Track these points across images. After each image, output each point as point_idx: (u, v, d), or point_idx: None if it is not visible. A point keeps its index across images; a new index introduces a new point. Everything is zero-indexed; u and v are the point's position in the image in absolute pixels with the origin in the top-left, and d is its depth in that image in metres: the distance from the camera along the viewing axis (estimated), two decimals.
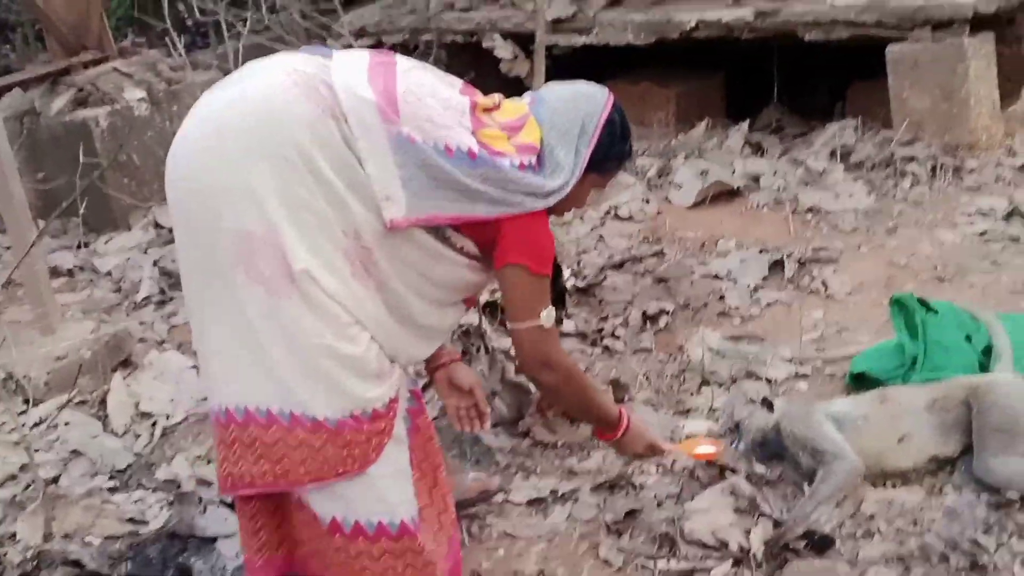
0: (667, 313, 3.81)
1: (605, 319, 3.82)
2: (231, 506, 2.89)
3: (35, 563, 2.88)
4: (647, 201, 4.81)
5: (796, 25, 5.07)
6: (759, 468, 2.86)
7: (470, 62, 5.94)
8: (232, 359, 2.20)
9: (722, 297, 3.91)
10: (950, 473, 2.77)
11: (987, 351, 3.10)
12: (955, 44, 4.72)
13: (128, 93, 5.48)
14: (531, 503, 2.93)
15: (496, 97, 2.45)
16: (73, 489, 3.23)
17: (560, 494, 2.94)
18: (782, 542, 2.59)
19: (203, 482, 3.19)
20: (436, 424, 2.73)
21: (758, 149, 5.24)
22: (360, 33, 6.42)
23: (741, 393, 3.14)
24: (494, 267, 2.41)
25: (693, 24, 5.33)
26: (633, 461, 2.96)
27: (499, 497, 2.96)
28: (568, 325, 3.71)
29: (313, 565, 2.38)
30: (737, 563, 2.58)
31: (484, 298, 3.44)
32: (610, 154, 2.50)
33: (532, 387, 3.23)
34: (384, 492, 2.27)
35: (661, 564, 2.62)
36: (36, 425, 3.55)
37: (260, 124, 2.15)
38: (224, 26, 5.06)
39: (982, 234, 4.11)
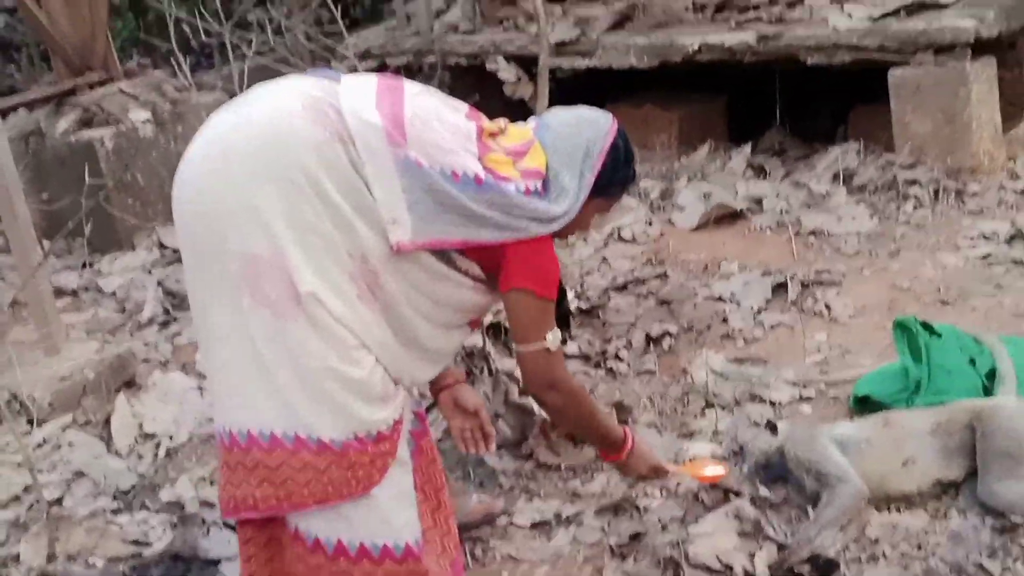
0: (670, 335, 3.82)
1: (609, 341, 3.83)
2: (235, 528, 2.88)
3: None
4: (650, 223, 4.82)
5: (798, 49, 5.09)
6: (763, 491, 2.86)
7: (474, 84, 5.96)
8: (237, 380, 2.21)
9: (725, 319, 3.92)
10: (954, 497, 2.76)
11: (991, 375, 3.10)
12: (957, 68, 4.74)
13: (133, 114, 5.51)
14: (535, 526, 2.93)
15: (502, 122, 2.46)
16: (76, 510, 3.23)
17: (564, 517, 2.93)
18: (786, 566, 2.59)
19: (206, 504, 3.18)
20: (440, 446, 2.74)
21: (761, 172, 5.25)
22: (364, 55, 6.44)
23: (745, 416, 3.15)
24: (500, 290, 2.42)
25: (696, 47, 5.36)
26: (638, 483, 2.97)
27: (503, 520, 2.96)
28: (571, 347, 3.71)
29: None
30: None
31: (488, 320, 3.45)
32: (614, 179, 2.53)
33: (536, 409, 3.23)
34: (388, 514, 2.27)
35: None
36: (40, 446, 3.55)
37: (267, 147, 2.16)
38: (229, 47, 5.08)
39: (985, 257, 4.12)
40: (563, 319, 2.59)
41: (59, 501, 3.29)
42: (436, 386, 2.79)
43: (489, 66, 6.04)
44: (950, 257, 4.16)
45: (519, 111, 5.48)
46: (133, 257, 5.24)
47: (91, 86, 5.55)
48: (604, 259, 4.56)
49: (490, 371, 3.32)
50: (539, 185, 2.39)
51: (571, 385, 2.59)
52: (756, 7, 5.47)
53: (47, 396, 3.71)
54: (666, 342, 3.80)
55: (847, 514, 2.69)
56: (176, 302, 4.64)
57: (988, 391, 3.05)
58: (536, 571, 2.78)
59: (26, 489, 3.30)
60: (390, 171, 2.22)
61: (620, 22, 5.79)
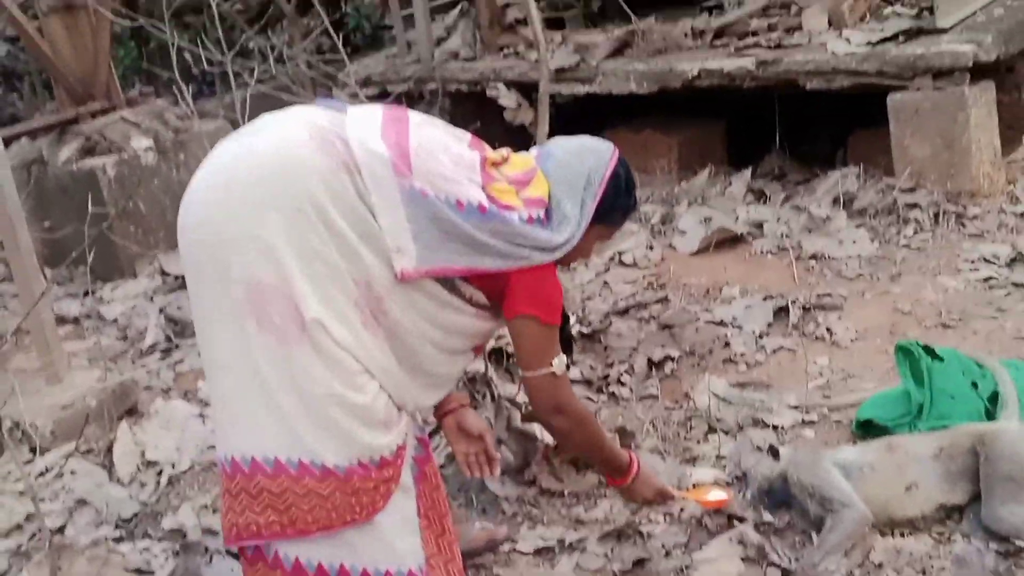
0: (672, 360, 3.82)
1: (611, 366, 3.83)
2: (237, 556, 2.88)
3: None
4: (651, 248, 4.83)
5: (797, 74, 5.11)
6: (767, 516, 2.86)
7: (474, 110, 5.99)
8: (241, 407, 2.22)
9: (727, 344, 3.92)
10: (958, 521, 2.76)
11: (993, 398, 3.10)
12: (956, 93, 4.75)
13: (135, 142, 5.53)
14: (538, 552, 2.93)
15: (504, 151, 2.50)
16: (79, 539, 3.23)
17: (567, 543, 2.93)
18: None
19: (209, 531, 3.18)
20: (442, 472, 2.74)
21: (761, 196, 5.26)
22: (365, 82, 6.47)
23: (748, 440, 3.14)
24: (504, 317, 2.45)
25: (695, 73, 5.38)
26: (642, 508, 2.96)
27: (506, 546, 2.96)
28: (574, 372, 3.71)
29: None
30: None
31: (489, 345, 3.45)
32: (615, 206, 2.57)
33: (538, 435, 3.23)
34: (392, 541, 2.27)
35: None
36: (42, 474, 3.55)
37: (274, 176, 2.18)
38: (231, 75, 5.10)
39: (986, 280, 4.12)
40: (566, 344, 2.62)
41: (61, 530, 3.29)
42: (440, 410, 2.80)
43: (489, 92, 6.07)
44: (951, 280, 4.16)
45: (519, 137, 5.52)
46: (135, 284, 5.26)
47: (93, 115, 5.58)
48: (605, 283, 4.57)
49: (492, 397, 3.32)
50: (542, 214, 2.43)
51: (578, 409, 2.62)
52: (755, 33, 5.50)
53: (49, 424, 3.71)
54: (668, 366, 3.80)
55: (851, 539, 2.69)
56: (178, 329, 4.65)
57: (991, 415, 3.05)
58: None
59: (28, 518, 3.30)
60: (395, 200, 2.25)
61: (619, 49, 5.82)
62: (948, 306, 3.96)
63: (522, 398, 3.36)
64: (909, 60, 4.81)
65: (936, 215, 4.66)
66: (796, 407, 3.43)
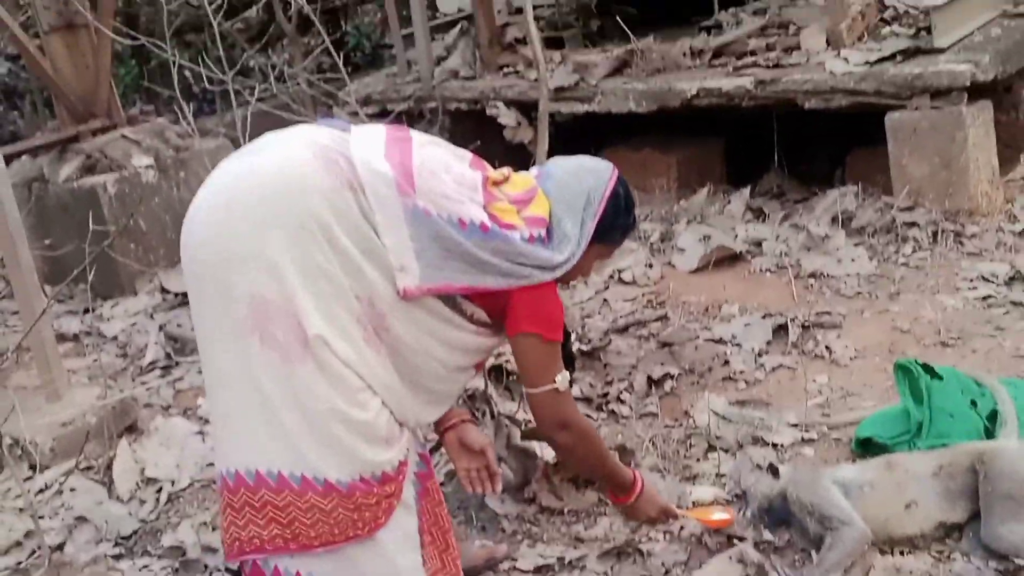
0: (672, 377, 3.82)
1: (610, 383, 3.84)
2: (236, 573, 2.88)
3: None
4: (650, 266, 4.84)
5: (796, 93, 5.13)
6: (767, 535, 2.86)
7: (474, 129, 6.01)
8: (244, 422, 2.23)
9: (727, 361, 3.92)
10: (958, 539, 2.76)
11: (992, 417, 3.11)
12: (953, 112, 4.78)
13: (136, 160, 5.54)
14: (538, 570, 2.92)
15: (505, 170, 2.53)
16: (78, 556, 3.23)
17: (567, 561, 2.93)
18: None
19: (208, 549, 3.18)
20: (442, 490, 2.73)
21: (760, 214, 5.28)
22: (366, 101, 6.50)
23: (747, 458, 3.14)
24: (507, 335, 2.47)
25: (694, 92, 5.40)
26: (644, 526, 2.97)
27: (506, 564, 2.96)
28: (573, 390, 3.71)
29: None
30: None
31: (489, 363, 3.46)
32: (615, 225, 2.60)
33: (538, 452, 3.24)
34: (393, 557, 2.28)
35: None
36: (42, 491, 3.55)
37: (278, 194, 2.20)
38: (232, 94, 5.12)
39: (984, 299, 4.13)
40: (567, 360, 2.63)
41: (61, 547, 3.29)
42: (442, 426, 2.81)
43: (489, 111, 6.10)
44: (950, 299, 4.17)
45: (519, 155, 5.54)
46: (135, 302, 5.26)
47: (94, 132, 5.60)
48: (605, 301, 4.58)
49: (492, 414, 3.32)
50: (543, 233, 2.45)
51: (582, 425, 2.66)
52: (753, 53, 5.53)
53: (49, 442, 3.72)
54: (668, 384, 3.80)
55: (851, 557, 2.69)
56: (178, 347, 4.66)
57: (990, 433, 3.06)
58: None
59: (28, 535, 3.30)
60: (399, 219, 2.27)
61: (618, 68, 5.85)
62: (947, 324, 3.97)
63: (522, 416, 3.37)
64: (907, 80, 4.84)
65: (934, 234, 4.68)
66: (795, 425, 3.44)
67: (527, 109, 5.94)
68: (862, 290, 4.37)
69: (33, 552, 3.25)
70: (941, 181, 4.84)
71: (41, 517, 3.31)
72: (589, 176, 2.60)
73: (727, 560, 2.79)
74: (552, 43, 6.34)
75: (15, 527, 3.35)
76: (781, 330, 4.08)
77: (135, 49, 7.83)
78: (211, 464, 3.62)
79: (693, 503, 3.07)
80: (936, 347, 3.84)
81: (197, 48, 7.92)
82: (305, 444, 2.19)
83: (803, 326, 4.08)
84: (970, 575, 2.62)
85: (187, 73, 5.98)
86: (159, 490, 3.58)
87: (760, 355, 3.95)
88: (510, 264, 2.39)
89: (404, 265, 2.28)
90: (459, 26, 7.00)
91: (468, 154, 2.54)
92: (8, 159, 5.45)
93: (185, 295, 4.97)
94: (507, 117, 6.03)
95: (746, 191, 5.45)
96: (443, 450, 3.06)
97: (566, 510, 3.17)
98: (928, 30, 5.01)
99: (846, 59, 5.09)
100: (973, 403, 3.17)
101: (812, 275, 4.54)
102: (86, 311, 5.16)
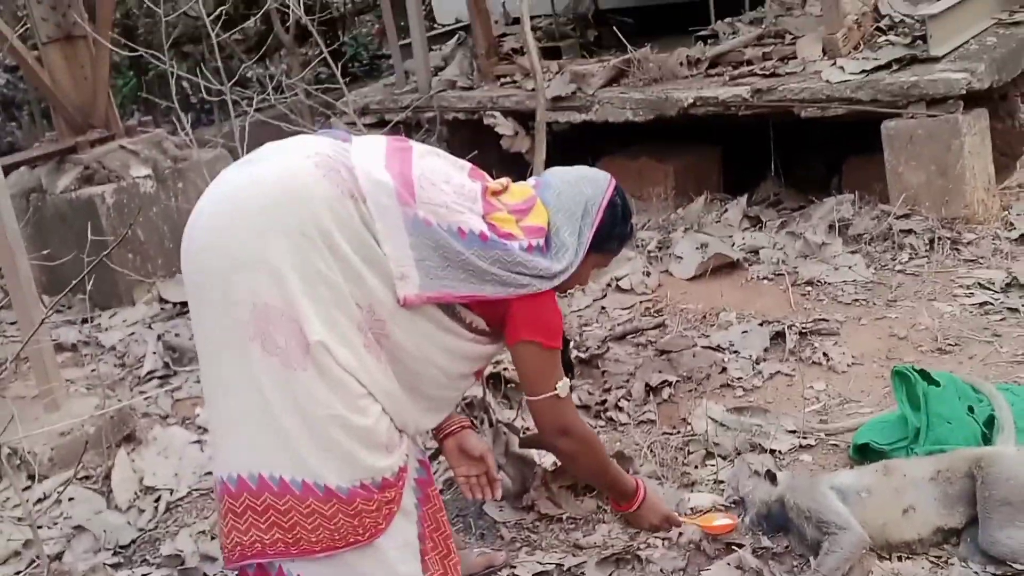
0: (670, 385, 3.83)
1: (608, 391, 3.84)
2: None
3: None
4: (648, 274, 4.85)
5: (792, 102, 5.14)
6: (765, 541, 2.86)
7: (471, 138, 6.02)
8: (245, 428, 2.23)
9: (724, 369, 3.93)
10: (955, 545, 2.76)
11: (989, 422, 3.12)
12: (950, 120, 4.79)
13: (134, 170, 5.56)
14: None
15: (504, 180, 2.57)
16: (77, 565, 3.22)
17: (566, 568, 2.92)
18: None
19: (207, 557, 3.18)
20: (441, 497, 2.74)
21: (757, 223, 5.29)
22: (363, 111, 6.52)
23: (745, 465, 3.15)
24: (506, 343, 2.49)
25: (691, 101, 5.42)
26: (646, 533, 2.97)
27: (504, 571, 2.95)
28: (571, 397, 3.72)
29: None
30: None
31: (488, 371, 3.46)
32: (612, 235, 2.63)
33: (536, 460, 3.24)
34: (394, 565, 2.29)
35: None
36: (40, 501, 3.55)
37: (280, 202, 2.22)
38: (230, 105, 5.13)
39: (981, 306, 4.14)
40: (566, 368, 2.65)
41: (59, 556, 3.28)
42: (441, 432, 2.82)
43: (487, 121, 6.11)
44: (947, 306, 4.18)
45: (516, 164, 5.55)
46: (133, 312, 5.27)
47: (92, 143, 5.61)
48: (603, 309, 4.59)
49: (490, 422, 3.32)
50: (541, 242, 2.48)
51: (584, 431, 2.69)
52: (750, 62, 5.54)
53: (47, 451, 3.72)
54: (665, 392, 3.81)
55: (849, 562, 2.69)
56: (176, 356, 4.66)
57: (987, 439, 3.06)
58: None
59: (26, 544, 3.30)
60: (399, 229, 2.29)
61: (615, 78, 5.87)
62: (944, 331, 3.98)
63: (520, 423, 3.37)
64: (903, 88, 4.85)
65: (931, 241, 4.69)
66: (793, 432, 3.44)
67: (524, 119, 5.96)
68: (859, 297, 4.38)
69: (32, 562, 3.24)
70: (937, 189, 4.85)
71: (40, 527, 3.31)
72: (587, 186, 2.63)
73: (725, 566, 2.78)
74: (549, 53, 6.36)
75: (14, 537, 3.35)
76: (779, 337, 4.08)
77: (133, 60, 7.85)
78: (209, 473, 3.62)
79: (691, 510, 3.07)
80: (933, 354, 3.84)
81: (195, 59, 7.95)
82: (305, 450, 2.20)
83: (800, 333, 4.09)
84: None
85: (185, 84, 6.01)
86: (157, 499, 3.59)
87: (758, 362, 3.96)
88: (509, 273, 2.42)
89: (404, 273, 2.30)
90: (456, 36, 7.03)
91: (467, 164, 2.57)
92: (6, 170, 5.46)
93: (183, 305, 5.03)
94: (504, 127, 6.05)
95: (743, 199, 5.46)
96: (442, 458, 3.07)
97: (565, 517, 3.17)
98: (924, 39, 5.02)
99: (842, 68, 5.11)
100: (970, 409, 3.17)
101: (809, 282, 4.55)
102: (84, 321, 5.16)
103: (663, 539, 2.96)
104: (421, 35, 6.51)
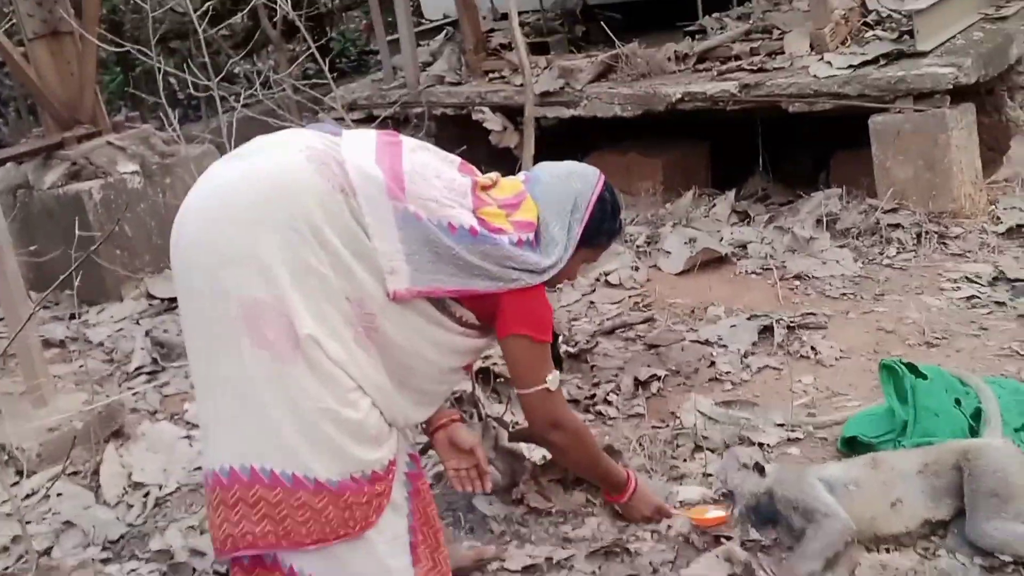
0: (658, 379, 3.83)
1: (597, 385, 3.85)
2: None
3: None
4: (636, 269, 4.86)
5: (780, 97, 5.16)
6: (753, 533, 2.87)
7: (459, 134, 6.03)
8: (236, 421, 2.23)
9: (713, 363, 3.94)
10: (943, 537, 2.77)
11: (976, 415, 3.13)
12: (937, 115, 4.81)
13: (121, 166, 5.54)
14: (526, 570, 2.92)
15: (494, 175, 2.57)
16: (66, 561, 3.22)
17: (555, 561, 2.93)
18: None
19: (196, 552, 3.17)
20: (431, 491, 2.74)
21: (745, 217, 5.30)
22: (351, 107, 6.51)
23: (734, 458, 3.16)
24: (497, 337, 2.50)
25: (679, 96, 5.43)
26: (637, 524, 2.98)
27: (494, 565, 2.95)
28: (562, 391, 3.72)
29: None
30: None
31: (477, 365, 3.46)
32: (601, 230, 2.64)
33: (526, 454, 3.24)
34: (384, 558, 2.29)
35: None
36: (28, 496, 3.54)
37: (271, 196, 2.21)
38: (217, 100, 5.12)
39: (968, 299, 4.16)
40: (555, 362, 2.66)
41: (48, 552, 3.27)
42: (431, 426, 2.82)
43: (475, 116, 6.12)
44: (934, 300, 4.20)
45: (505, 160, 5.55)
46: (121, 308, 5.26)
47: (79, 139, 5.59)
48: (592, 304, 4.60)
49: (480, 417, 3.33)
50: (531, 236, 2.49)
51: (575, 424, 2.70)
52: (737, 57, 5.56)
53: (36, 447, 3.70)
54: (654, 386, 3.81)
55: (832, 548, 2.69)
56: (164, 352, 4.65)
57: (974, 432, 3.08)
58: None
59: (15, 540, 3.29)
60: (389, 223, 2.29)
61: (604, 73, 5.88)
62: (931, 325, 3.99)
63: (509, 418, 3.38)
64: (890, 83, 4.87)
65: (918, 235, 4.71)
66: (781, 425, 3.45)
67: (513, 114, 5.96)
68: (847, 291, 4.39)
69: (20, 557, 3.23)
70: (925, 183, 4.87)
71: (28, 522, 3.30)
72: (576, 181, 2.64)
73: (714, 559, 2.79)
74: (537, 48, 6.36)
75: (2, 532, 3.34)
76: (767, 331, 4.10)
77: (120, 56, 7.83)
78: (198, 468, 3.61)
79: (681, 503, 3.08)
80: (921, 347, 3.86)
81: (182, 55, 7.93)
82: (295, 442, 2.20)
83: (788, 327, 4.10)
84: (955, 572, 2.63)
85: (172, 80, 5.99)
86: (146, 494, 3.58)
87: (746, 356, 3.97)
88: (499, 268, 2.42)
89: (394, 268, 2.31)
90: (444, 32, 7.03)
91: (457, 159, 2.58)
92: None
93: (171, 301, 5.02)
94: (493, 122, 6.05)
95: (731, 194, 5.47)
96: (432, 452, 3.07)
97: (554, 511, 3.17)
98: (911, 34, 5.04)
99: (829, 63, 5.13)
100: (957, 402, 3.19)
101: (797, 277, 4.56)
102: (72, 317, 5.15)
103: (652, 532, 2.97)
104: (409, 30, 6.51)
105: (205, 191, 2.29)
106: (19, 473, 3.62)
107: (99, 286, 5.31)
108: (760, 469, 2.94)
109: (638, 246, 5.11)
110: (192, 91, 5.59)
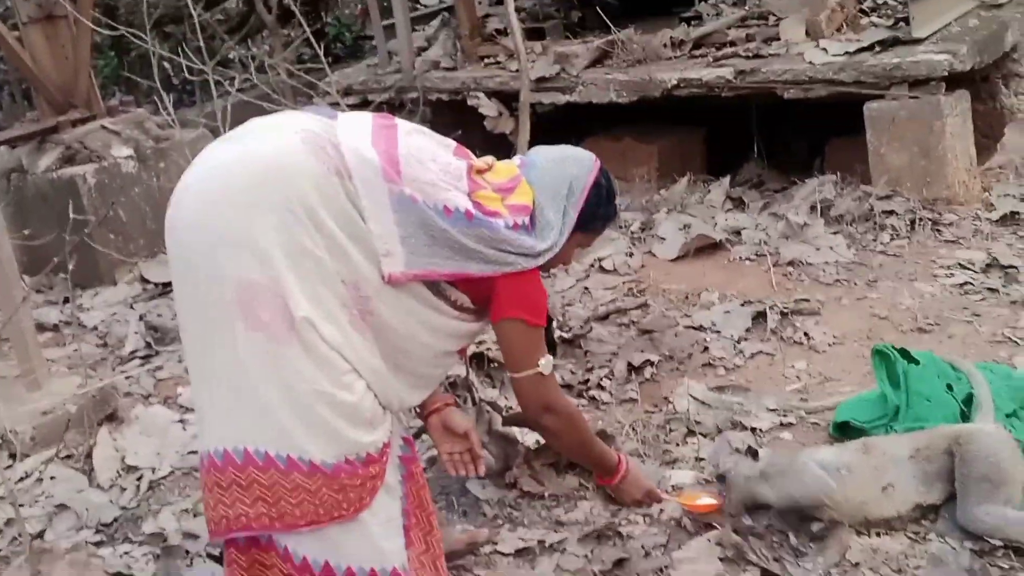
0: (652, 364, 3.84)
1: (590, 370, 3.85)
2: (218, 559, 2.88)
3: None
4: (631, 254, 4.87)
5: (775, 83, 5.15)
6: (745, 518, 2.88)
7: (455, 119, 6.02)
8: (230, 403, 2.23)
9: (706, 348, 3.95)
10: (934, 521, 2.79)
11: (967, 400, 3.14)
12: (932, 102, 4.81)
13: (115, 150, 5.53)
14: (519, 554, 2.94)
15: (489, 159, 2.57)
16: (59, 543, 3.22)
17: (548, 544, 2.94)
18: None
19: (189, 535, 3.18)
20: (425, 475, 2.75)
21: (739, 203, 5.30)
22: (347, 92, 6.50)
23: (726, 442, 3.17)
24: (491, 321, 2.51)
25: (674, 82, 5.42)
26: (628, 508, 2.99)
27: (487, 548, 2.97)
28: (555, 375, 3.73)
29: None
30: None
31: (471, 349, 3.47)
32: (596, 215, 2.65)
33: (519, 438, 3.25)
34: (377, 540, 2.29)
35: None
36: (22, 480, 3.54)
37: (267, 179, 2.21)
38: (212, 85, 5.11)
39: (961, 286, 4.17)
40: (549, 347, 2.67)
41: (41, 534, 3.28)
42: (426, 409, 2.83)
43: (470, 101, 6.11)
44: (927, 286, 4.21)
45: (500, 145, 5.55)
46: (115, 292, 5.26)
47: (74, 123, 5.58)
48: (586, 290, 4.60)
49: (473, 401, 3.34)
50: (526, 220, 2.50)
51: (567, 408, 2.71)
52: (733, 43, 5.55)
53: (29, 430, 3.70)
54: (648, 371, 3.82)
55: (812, 501, 2.73)
56: (158, 336, 4.65)
57: (966, 417, 3.09)
58: None
59: (8, 523, 3.30)
60: (385, 205, 2.30)
61: (599, 59, 5.87)
62: (924, 311, 4.00)
63: (503, 402, 3.38)
64: (885, 69, 4.87)
65: (912, 222, 4.71)
66: (774, 410, 3.47)
67: (508, 99, 5.95)
68: (840, 277, 4.40)
69: (14, 539, 3.24)
70: (919, 170, 4.87)
71: (21, 505, 3.30)
72: (572, 165, 2.64)
73: (706, 542, 2.81)
74: (533, 34, 6.35)
75: None
76: (760, 317, 4.10)
77: (115, 40, 7.81)
78: (192, 452, 3.62)
79: (672, 487, 3.09)
80: (913, 333, 3.87)
81: (177, 39, 7.91)
82: (290, 424, 2.20)
83: (782, 313, 4.11)
84: (946, 556, 2.65)
85: (167, 64, 5.97)
86: (140, 478, 3.58)
87: (739, 342, 3.98)
88: (494, 251, 2.43)
89: (390, 251, 2.30)
90: (440, 17, 7.01)
91: (452, 143, 2.58)
92: None
93: (165, 285, 5.02)
94: (488, 108, 6.04)
95: (726, 180, 5.47)
96: (425, 436, 3.08)
97: (547, 495, 3.18)
98: (906, 21, 5.04)
99: (825, 49, 5.12)
100: (949, 387, 3.20)
101: (791, 263, 4.57)
102: (66, 301, 5.14)
103: (644, 516, 2.98)
104: (404, 15, 6.50)
105: (200, 173, 2.29)
106: (12, 456, 3.62)
107: (93, 270, 5.31)
108: (754, 453, 2.95)
109: (633, 232, 5.12)
110: (187, 75, 5.59)
